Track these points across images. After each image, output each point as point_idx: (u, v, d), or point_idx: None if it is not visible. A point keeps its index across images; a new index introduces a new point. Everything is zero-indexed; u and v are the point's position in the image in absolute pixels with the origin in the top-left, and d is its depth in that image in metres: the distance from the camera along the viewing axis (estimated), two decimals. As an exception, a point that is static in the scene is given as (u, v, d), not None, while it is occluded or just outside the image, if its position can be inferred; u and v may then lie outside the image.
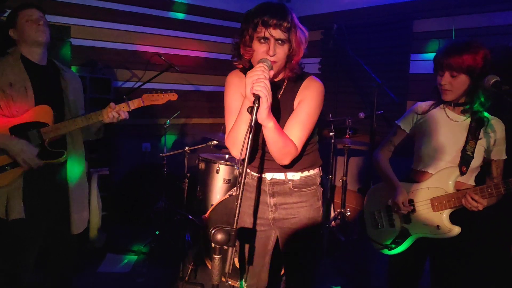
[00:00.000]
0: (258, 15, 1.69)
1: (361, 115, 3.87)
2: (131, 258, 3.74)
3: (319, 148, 2.07)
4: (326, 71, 5.28)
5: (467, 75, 1.97)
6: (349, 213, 4.20)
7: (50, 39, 2.34)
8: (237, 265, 2.08)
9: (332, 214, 4.36)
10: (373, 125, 3.60)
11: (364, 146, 4.13)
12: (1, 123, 2.20)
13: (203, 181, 3.82)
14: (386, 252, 2.28)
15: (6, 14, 2.48)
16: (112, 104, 2.33)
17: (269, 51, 1.68)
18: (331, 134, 4.08)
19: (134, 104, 2.39)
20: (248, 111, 1.52)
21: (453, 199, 2.01)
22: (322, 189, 2.06)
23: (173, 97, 2.51)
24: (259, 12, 1.69)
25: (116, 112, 2.33)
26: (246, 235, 1.99)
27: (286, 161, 1.78)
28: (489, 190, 1.92)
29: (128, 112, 2.38)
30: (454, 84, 2.01)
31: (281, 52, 1.71)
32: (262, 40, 1.70)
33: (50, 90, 2.34)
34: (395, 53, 4.47)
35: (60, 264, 2.53)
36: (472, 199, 1.94)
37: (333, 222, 4.16)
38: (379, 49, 4.61)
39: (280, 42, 1.70)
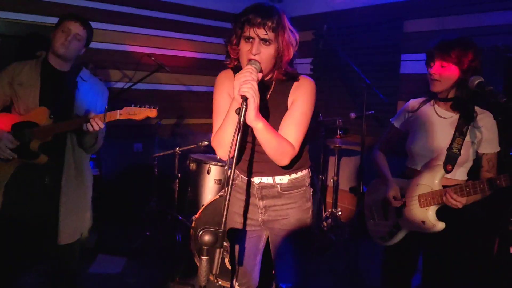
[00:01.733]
0: (244, 15, 1.70)
1: (352, 115, 3.89)
2: (122, 258, 3.73)
3: (310, 148, 2.08)
4: (317, 71, 5.30)
5: (457, 66, 2.00)
6: (340, 213, 4.22)
7: (77, 54, 2.40)
8: (228, 265, 2.08)
9: (324, 214, 4.38)
10: (363, 125, 3.62)
11: (355, 146, 4.15)
12: (9, 118, 2.33)
13: (194, 181, 3.82)
14: (381, 243, 2.36)
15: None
16: (91, 113, 2.29)
17: (252, 49, 1.68)
18: (322, 134, 4.09)
19: (110, 116, 2.29)
20: (236, 113, 1.53)
21: (437, 196, 2.06)
22: (312, 189, 2.07)
23: (152, 113, 2.33)
24: (246, 11, 1.71)
25: (90, 125, 2.25)
26: (237, 236, 2.01)
27: (285, 161, 1.79)
28: (467, 189, 1.95)
29: (104, 123, 2.30)
30: (444, 74, 2.03)
31: (265, 52, 1.71)
32: (247, 40, 1.71)
33: (58, 96, 2.37)
34: (386, 53, 4.49)
35: (61, 267, 2.55)
36: (451, 197, 1.97)
37: (324, 222, 4.17)
38: (370, 49, 4.63)
39: (265, 41, 1.70)
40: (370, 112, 3.76)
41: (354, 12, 4.77)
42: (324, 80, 5.15)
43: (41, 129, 2.29)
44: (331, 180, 4.33)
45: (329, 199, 4.84)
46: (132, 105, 2.31)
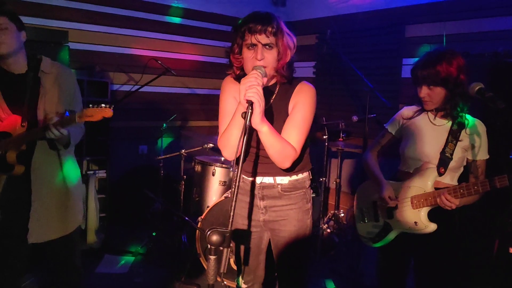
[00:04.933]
0: (244, 24, 1.78)
1: (354, 118, 3.94)
2: (129, 258, 3.79)
3: (313, 151, 2.14)
4: (320, 75, 5.35)
5: (442, 86, 2.08)
6: (342, 215, 4.28)
7: (16, 44, 2.15)
8: (233, 265, 2.14)
9: (326, 216, 4.43)
10: (365, 129, 3.68)
11: (357, 149, 4.20)
12: None
13: (199, 183, 3.88)
14: (371, 244, 2.40)
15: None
16: (53, 118, 2.08)
17: (257, 55, 1.76)
18: (324, 137, 4.15)
19: (70, 121, 2.06)
20: (242, 116, 1.59)
21: (430, 198, 2.11)
22: (311, 191, 2.14)
23: (108, 113, 2.02)
24: (245, 21, 1.79)
25: (49, 131, 2.06)
26: (240, 236, 2.06)
27: (287, 163, 1.84)
28: (461, 190, 2.02)
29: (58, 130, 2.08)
30: (432, 95, 2.12)
31: (270, 56, 1.79)
32: (250, 47, 1.78)
33: (23, 99, 2.22)
34: (388, 58, 4.54)
35: (58, 269, 2.49)
36: (446, 198, 2.03)
37: (327, 224, 4.22)
38: (372, 54, 4.68)
39: (267, 47, 1.77)
40: (372, 116, 3.82)
41: (356, 17, 4.83)
42: (326, 84, 5.20)
43: (15, 139, 2.17)
44: (334, 182, 4.38)
45: (331, 201, 4.89)
46: (90, 106, 2.04)
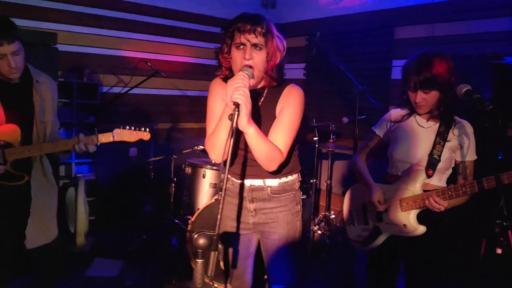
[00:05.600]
0: (233, 24, 1.78)
1: (345, 119, 3.95)
2: (119, 262, 3.77)
3: (303, 152, 2.13)
4: (310, 77, 5.37)
5: (438, 89, 2.08)
6: (333, 216, 4.28)
7: (24, 65, 2.25)
8: (223, 267, 2.13)
9: (317, 218, 4.43)
10: (356, 130, 3.69)
11: (347, 150, 4.21)
12: None
13: (189, 185, 3.86)
14: (360, 248, 2.40)
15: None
16: (81, 135, 2.25)
17: (246, 55, 1.75)
18: (315, 138, 4.15)
19: (103, 138, 2.29)
20: (229, 118, 1.59)
21: (418, 200, 2.12)
22: (301, 193, 2.14)
23: (146, 136, 2.36)
24: (235, 20, 1.79)
25: (83, 145, 2.24)
26: (229, 239, 2.05)
27: (273, 166, 1.84)
28: (450, 192, 2.03)
29: (96, 145, 2.28)
30: (428, 99, 2.11)
31: (258, 57, 1.78)
32: (240, 46, 1.78)
33: (20, 108, 2.27)
34: (378, 59, 4.57)
35: (42, 272, 2.53)
36: (434, 200, 2.04)
37: (317, 225, 4.23)
38: (362, 55, 4.71)
39: (256, 47, 1.77)
40: (362, 117, 3.83)
41: (346, 19, 4.85)
42: (317, 85, 5.21)
43: (18, 150, 2.22)
44: (325, 183, 4.39)
45: (322, 202, 4.90)
46: (127, 127, 2.30)
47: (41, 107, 2.34)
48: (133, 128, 2.32)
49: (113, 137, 2.29)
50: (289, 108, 1.89)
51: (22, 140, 2.24)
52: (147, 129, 2.35)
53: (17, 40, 2.16)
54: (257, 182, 2.00)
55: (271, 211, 2.02)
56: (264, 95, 1.95)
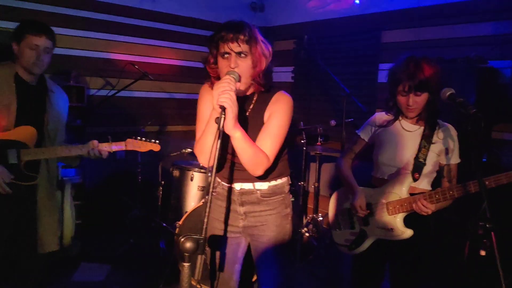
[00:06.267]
0: (217, 33, 1.79)
1: (332, 122, 3.98)
2: (106, 266, 3.74)
3: (291, 155, 2.14)
4: (298, 80, 5.40)
5: (429, 92, 2.10)
6: (321, 219, 4.29)
7: (47, 67, 2.38)
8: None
9: (305, 220, 4.45)
10: (343, 133, 3.72)
11: (335, 153, 4.23)
12: None
13: (177, 188, 3.86)
14: (347, 252, 2.40)
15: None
16: (95, 141, 2.40)
17: (231, 63, 1.76)
18: (303, 141, 4.17)
19: (116, 146, 2.47)
20: (215, 122, 1.60)
21: (405, 204, 2.14)
22: (291, 196, 2.15)
23: (156, 147, 2.55)
24: (218, 30, 1.79)
25: (97, 150, 2.40)
26: (217, 242, 2.05)
27: (259, 171, 1.85)
28: (437, 196, 2.06)
29: (109, 152, 2.44)
30: (419, 101, 2.12)
31: (244, 64, 1.78)
32: (225, 55, 1.79)
33: (33, 111, 2.36)
34: (364, 63, 4.61)
35: (25, 279, 2.52)
36: (422, 204, 2.06)
37: (305, 228, 4.24)
38: (349, 59, 4.75)
39: (241, 55, 1.77)
40: (349, 120, 3.86)
41: (333, 23, 4.89)
42: (305, 89, 5.24)
43: (33, 151, 2.31)
44: (312, 186, 4.41)
45: (310, 205, 4.92)
46: (138, 138, 2.48)
47: (52, 115, 2.43)
48: (144, 139, 2.50)
49: (126, 146, 2.47)
50: (277, 114, 1.90)
51: (37, 143, 2.33)
52: (157, 141, 2.53)
53: (53, 42, 2.35)
54: (247, 186, 2.01)
55: (260, 214, 2.03)
56: (253, 101, 1.96)
